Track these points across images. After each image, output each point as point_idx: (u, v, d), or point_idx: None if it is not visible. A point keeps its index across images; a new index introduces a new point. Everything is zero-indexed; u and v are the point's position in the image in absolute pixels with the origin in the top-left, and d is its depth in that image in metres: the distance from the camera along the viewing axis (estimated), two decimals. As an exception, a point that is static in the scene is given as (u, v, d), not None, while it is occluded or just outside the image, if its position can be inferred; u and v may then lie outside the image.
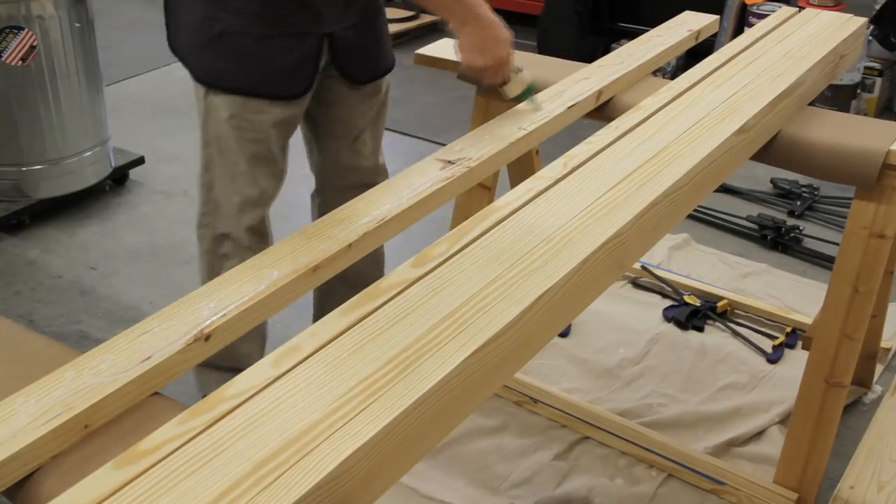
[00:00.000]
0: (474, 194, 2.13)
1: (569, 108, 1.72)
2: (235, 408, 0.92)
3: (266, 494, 0.80)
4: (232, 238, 1.86)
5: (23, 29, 2.85)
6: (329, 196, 2.02)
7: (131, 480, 0.84)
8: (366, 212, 1.36)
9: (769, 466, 2.04)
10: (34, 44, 2.89)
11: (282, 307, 1.21)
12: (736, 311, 2.64)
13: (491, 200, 2.18)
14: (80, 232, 3.08)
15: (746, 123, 1.54)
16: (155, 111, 3.96)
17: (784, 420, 2.18)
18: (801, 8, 2.25)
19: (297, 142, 1.98)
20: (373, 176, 1.99)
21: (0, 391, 1.02)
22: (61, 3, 2.92)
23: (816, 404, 1.83)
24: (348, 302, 1.08)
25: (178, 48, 1.80)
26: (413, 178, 1.45)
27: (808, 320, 2.47)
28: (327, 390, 0.92)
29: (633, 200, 1.28)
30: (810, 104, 1.87)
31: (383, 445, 0.88)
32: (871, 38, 3.74)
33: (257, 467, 0.83)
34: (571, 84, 1.82)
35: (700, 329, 2.55)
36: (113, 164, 3.30)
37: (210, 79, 1.74)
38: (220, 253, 1.89)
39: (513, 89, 1.73)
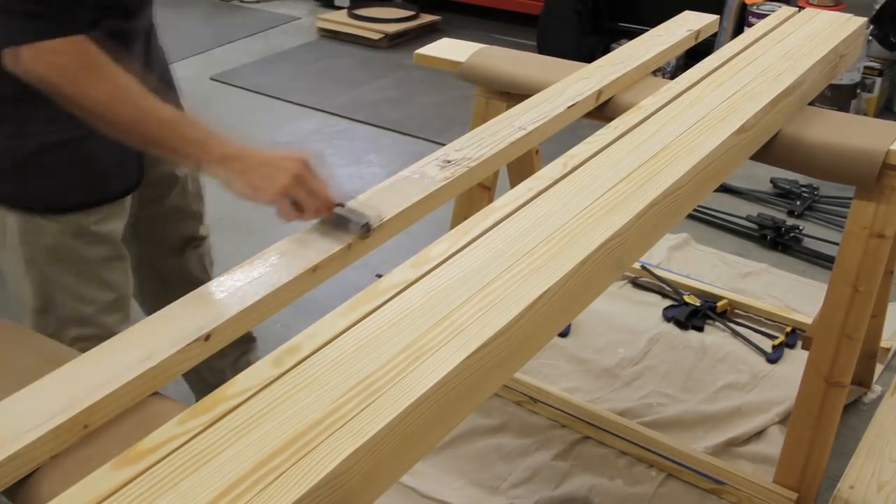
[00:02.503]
0: (474, 194, 2.13)
1: (569, 108, 1.71)
2: (235, 408, 0.92)
3: (266, 494, 0.81)
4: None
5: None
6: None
7: (131, 480, 0.84)
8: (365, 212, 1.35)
9: (769, 466, 2.04)
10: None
11: (282, 307, 1.21)
12: (736, 310, 2.64)
13: (491, 200, 2.17)
14: (80, 232, 3.07)
15: (746, 123, 1.54)
16: (155, 111, 3.95)
17: (784, 420, 2.18)
18: (801, 8, 2.25)
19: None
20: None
21: (0, 391, 1.02)
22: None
23: (816, 404, 1.83)
24: (348, 302, 1.08)
25: None
26: (412, 177, 1.45)
27: (808, 320, 2.47)
28: (327, 390, 0.92)
29: (632, 200, 1.28)
30: (810, 104, 1.87)
31: (383, 445, 0.88)
32: (871, 38, 3.74)
33: (257, 467, 0.83)
34: (571, 84, 1.81)
35: (700, 329, 2.55)
36: (113, 164, 3.30)
37: (35, 203, 1.44)
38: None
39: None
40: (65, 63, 1.22)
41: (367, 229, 1.26)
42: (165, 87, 1.56)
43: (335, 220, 1.28)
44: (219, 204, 3.36)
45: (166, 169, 1.67)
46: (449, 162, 1.48)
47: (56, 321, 1.53)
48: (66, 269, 1.50)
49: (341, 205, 1.29)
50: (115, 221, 1.53)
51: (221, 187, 1.28)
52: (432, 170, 1.46)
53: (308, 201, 1.26)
